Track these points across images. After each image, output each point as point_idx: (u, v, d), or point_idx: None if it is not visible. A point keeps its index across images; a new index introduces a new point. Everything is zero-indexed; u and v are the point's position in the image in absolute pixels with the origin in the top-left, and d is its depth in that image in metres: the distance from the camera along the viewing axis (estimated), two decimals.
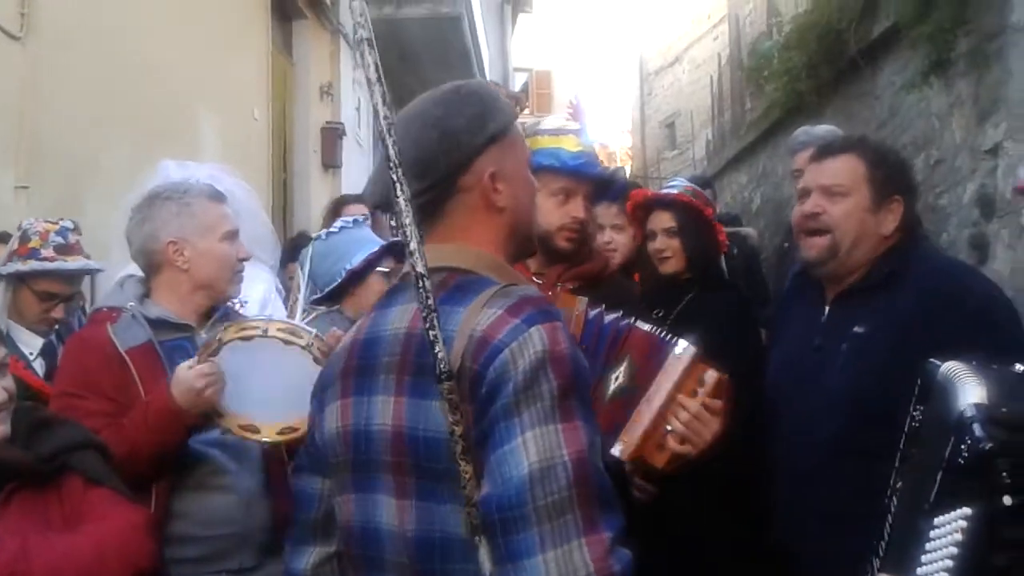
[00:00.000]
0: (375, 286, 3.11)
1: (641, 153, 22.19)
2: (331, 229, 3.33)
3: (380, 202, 1.65)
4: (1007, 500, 1.25)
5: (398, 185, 1.40)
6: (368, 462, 1.51)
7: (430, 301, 1.38)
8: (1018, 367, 1.54)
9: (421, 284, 1.38)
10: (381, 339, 1.57)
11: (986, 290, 2.32)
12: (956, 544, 1.29)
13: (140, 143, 5.17)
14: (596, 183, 2.60)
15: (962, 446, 1.29)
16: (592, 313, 2.29)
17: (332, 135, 9.26)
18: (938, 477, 1.35)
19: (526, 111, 25.93)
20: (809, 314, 2.48)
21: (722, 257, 3.85)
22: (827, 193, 2.37)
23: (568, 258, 2.57)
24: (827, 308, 2.42)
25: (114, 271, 3.42)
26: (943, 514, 1.32)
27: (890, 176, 2.39)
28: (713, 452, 2.22)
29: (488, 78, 13.85)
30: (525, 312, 1.41)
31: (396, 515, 1.47)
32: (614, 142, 25.77)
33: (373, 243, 3.25)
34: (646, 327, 2.28)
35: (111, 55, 5.12)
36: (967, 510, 1.28)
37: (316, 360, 2.15)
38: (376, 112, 1.42)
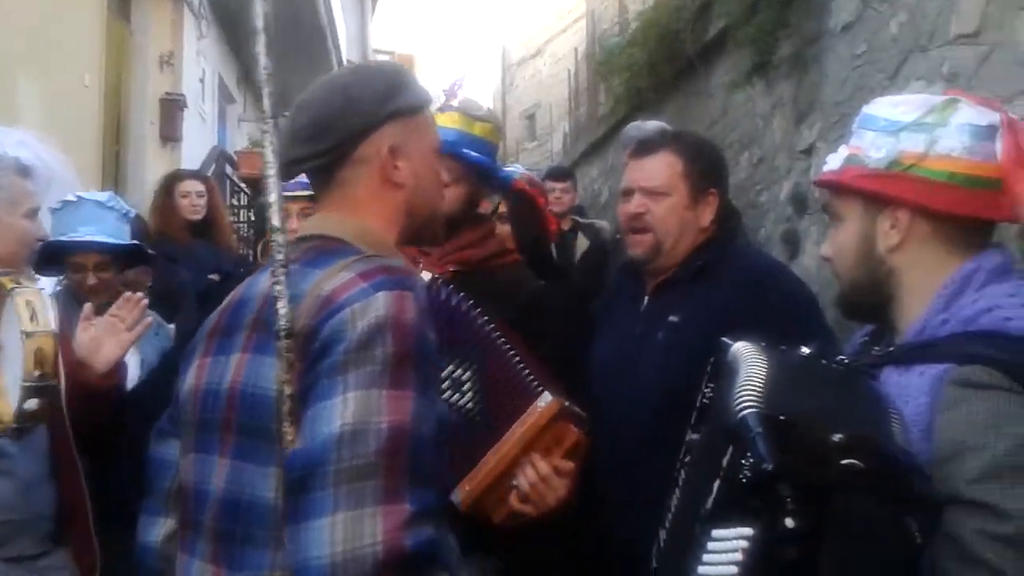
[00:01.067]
0: None
1: (502, 144, 22.27)
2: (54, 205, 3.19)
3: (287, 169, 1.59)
4: (789, 523, 1.22)
5: (267, 135, 1.39)
6: (211, 421, 1.48)
7: (280, 256, 1.36)
8: (804, 350, 1.57)
9: (275, 239, 1.37)
10: (249, 299, 1.54)
11: (792, 283, 2.43)
12: (735, 563, 1.26)
13: None
14: (451, 161, 2.45)
15: (742, 460, 1.26)
16: (437, 291, 2.17)
17: (172, 107, 8.87)
18: (715, 486, 1.34)
19: None
20: (630, 306, 2.53)
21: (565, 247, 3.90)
22: (649, 193, 2.41)
23: (448, 238, 2.46)
24: (646, 299, 2.48)
25: None
26: (721, 528, 1.29)
27: (705, 171, 2.45)
28: (555, 515, 2.12)
29: (345, 59, 13.62)
30: (377, 277, 1.37)
31: (219, 474, 1.43)
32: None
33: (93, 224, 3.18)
34: (508, 354, 2.16)
35: None
36: (748, 530, 1.25)
37: (25, 356, 1.98)
38: (258, 61, 1.40)
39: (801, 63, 5.08)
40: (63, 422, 2.23)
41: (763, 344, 1.55)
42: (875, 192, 1.58)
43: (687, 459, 1.75)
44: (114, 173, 8.13)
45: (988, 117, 1.54)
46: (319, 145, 1.54)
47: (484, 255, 2.57)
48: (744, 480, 1.26)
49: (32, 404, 1.94)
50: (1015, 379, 1.37)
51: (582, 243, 5.75)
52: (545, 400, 2.09)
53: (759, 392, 1.36)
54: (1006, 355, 1.39)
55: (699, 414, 1.77)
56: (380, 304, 1.33)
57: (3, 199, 2.34)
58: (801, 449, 1.25)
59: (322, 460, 1.26)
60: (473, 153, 2.54)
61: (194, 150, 9.32)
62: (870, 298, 1.63)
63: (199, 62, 9.96)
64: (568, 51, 16.60)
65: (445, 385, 2.12)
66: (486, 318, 2.18)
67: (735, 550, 1.27)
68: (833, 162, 1.68)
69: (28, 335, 1.93)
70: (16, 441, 2.15)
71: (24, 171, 2.43)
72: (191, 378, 1.56)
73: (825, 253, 1.72)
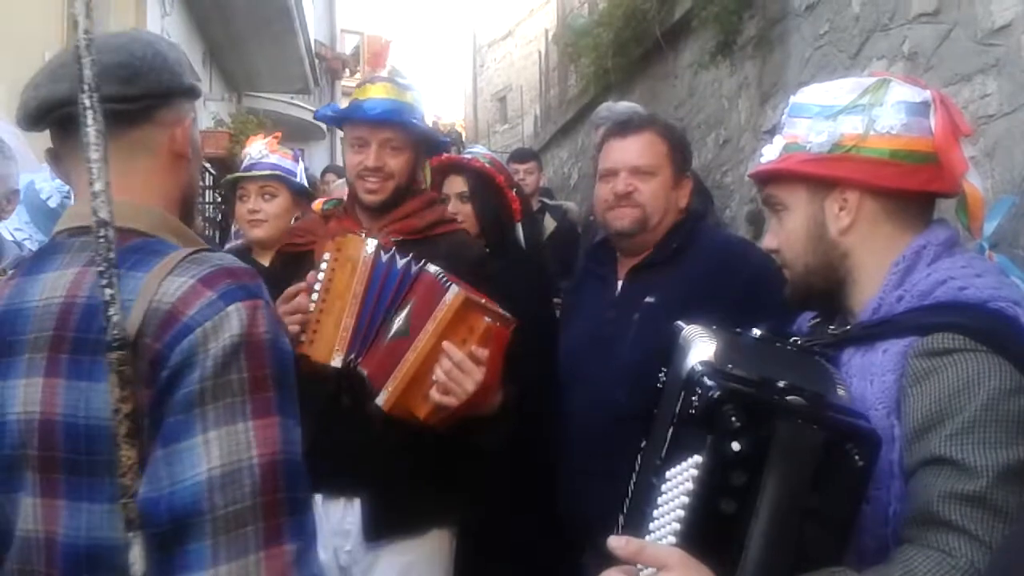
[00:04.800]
0: None
1: (474, 125, 22.21)
2: None
3: (36, 113, 1.38)
4: (735, 446, 1.26)
5: (90, 113, 1.20)
6: (8, 459, 1.29)
7: (111, 254, 1.21)
8: (755, 332, 1.58)
9: (103, 234, 1.21)
10: (25, 312, 1.32)
11: (761, 260, 2.43)
12: (687, 494, 1.30)
13: None
14: (396, 131, 2.51)
15: (692, 398, 1.31)
16: (384, 256, 2.28)
17: None
18: (669, 433, 1.37)
19: (356, 75, 25.53)
20: (603, 289, 2.56)
21: (525, 227, 3.88)
22: (637, 172, 2.46)
23: (381, 210, 2.53)
24: (620, 283, 2.52)
25: None
26: (675, 466, 1.33)
27: (685, 155, 2.55)
28: (479, 406, 2.18)
29: (313, 37, 13.49)
30: (223, 285, 1.25)
31: (42, 518, 1.26)
32: (451, 113, 25.75)
33: None
34: (433, 270, 2.25)
35: None
36: (698, 458, 1.29)
37: None
38: (76, 23, 1.20)
39: (766, 43, 5.09)
40: None
41: (714, 327, 1.56)
42: (822, 176, 1.59)
43: (643, 445, 1.75)
44: None
45: (921, 94, 1.57)
46: (128, 89, 1.36)
47: (426, 223, 2.59)
48: (693, 411, 1.30)
49: None
50: (979, 341, 1.38)
51: (549, 224, 5.77)
52: (452, 292, 2.16)
53: (710, 354, 1.40)
54: (966, 320, 1.40)
55: (654, 398, 1.77)
56: (234, 322, 1.22)
57: None
58: (748, 384, 1.31)
59: (196, 510, 1.16)
60: (414, 120, 2.56)
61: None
62: (824, 283, 1.64)
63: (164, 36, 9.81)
64: (539, 33, 16.55)
65: (390, 327, 2.22)
66: (423, 262, 2.26)
67: (687, 481, 1.30)
68: (769, 153, 1.68)
69: None
70: None
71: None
72: None
73: (769, 245, 1.72)
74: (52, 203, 2.59)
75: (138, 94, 1.37)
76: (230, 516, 1.16)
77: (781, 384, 1.31)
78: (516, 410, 2.33)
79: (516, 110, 19.15)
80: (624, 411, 2.21)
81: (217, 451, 1.17)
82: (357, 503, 2.41)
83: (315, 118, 2.75)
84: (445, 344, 2.14)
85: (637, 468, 1.70)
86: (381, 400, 2.19)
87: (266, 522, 1.18)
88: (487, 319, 2.17)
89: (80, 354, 1.26)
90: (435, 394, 2.15)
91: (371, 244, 2.31)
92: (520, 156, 6.26)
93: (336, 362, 2.25)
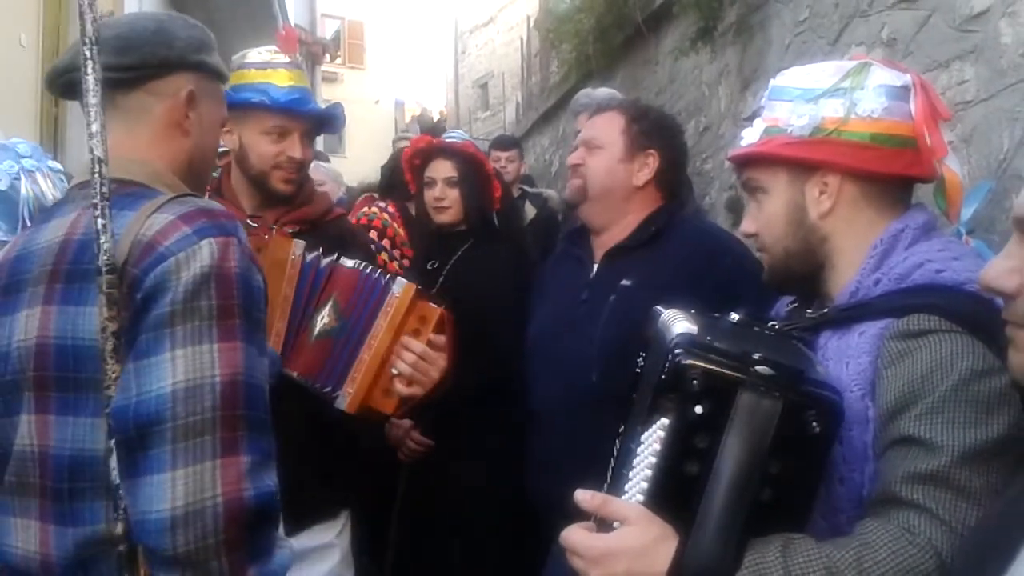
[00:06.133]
0: None
1: (455, 112, 22.14)
2: None
3: (57, 78, 1.58)
4: (698, 409, 1.30)
5: (90, 63, 1.34)
6: (7, 384, 1.44)
7: (104, 188, 1.33)
8: (733, 316, 1.59)
9: (97, 169, 1.33)
10: (33, 254, 1.49)
11: (739, 248, 2.47)
12: (654, 454, 1.34)
13: None
14: (313, 120, 2.51)
15: (665, 365, 1.34)
16: (310, 256, 2.27)
17: None
18: (648, 402, 1.40)
19: (337, 61, 25.36)
20: (577, 272, 2.57)
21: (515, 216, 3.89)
22: (588, 146, 2.53)
23: (287, 200, 2.49)
24: (595, 266, 2.52)
25: None
26: (647, 430, 1.36)
27: (645, 130, 2.53)
28: (442, 389, 2.22)
29: (292, 22, 13.39)
30: (198, 222, 1.37)
31: (29, 432, 1.41)
32: (432, 100, 25.62)
33: None
34: (350, 263, 2.25)
35: None
36: (665, 420, 1.33)
37: None
38: None
39: (746, 29, 5.09)
40: None
41: (692, 311, 1.57)
42: (803, 159, 1.59)
43: (621, 428, 1.76)
44: (53, 134, 7.93)
45: (901, 78, 1.57)
46: (122, 59, 1.51)
47: (319, 212, 2.58)
48: (664, 377, 1.34)
49: None
50: (954, 323, 1.39)
51: (529, 211, 5.76)
52: (400, 285, 2.20)
53: (691, 329, 1.43)
54: (942, 302, 1.41)
55: (632, 384, 1.77)
56: (205, 253, 1.34)
57: None
58: (719, 354, 1.34)
59: (159, 418, 1.27)
60: (317, 105, 2.54)
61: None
62: (803, 267, 1.64)
63: None
64: (520, 19, 16.51)
65: (319, 326, 2.22)
66: (336, 257, 2.28)
67: (656, 443, 1.34)
68: (749, 136, 1.68)
69: None
70: None
71: None
72: None
73: (748, 229, 1.71)
74: (2, 186, 2.54)
75: (130, 64, 1.52)
76: (190, 425, 1.28)
77: (756, 356, 1.33)
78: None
79: (498, 97, 19.10)
80: (597, 392, 2.24)
81: (182, 367, 1.29)
82: None
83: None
84: (404, 338, 2.16)
85: (619, 441, 1.71)
86: (344, 403, 2.19)
87: (224, 433, 1.29)
88: (433, 305, 2.20)
89: (72, 282, 1.40)
90: (401, 388, 2.18)
91: (298, 246, 2.28)
92: (502, 144, 6.22)
93: None
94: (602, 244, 2.54)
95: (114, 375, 1.31)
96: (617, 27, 7.26)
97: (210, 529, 1.26)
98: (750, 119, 5.02)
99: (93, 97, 1.35)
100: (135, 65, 1.52)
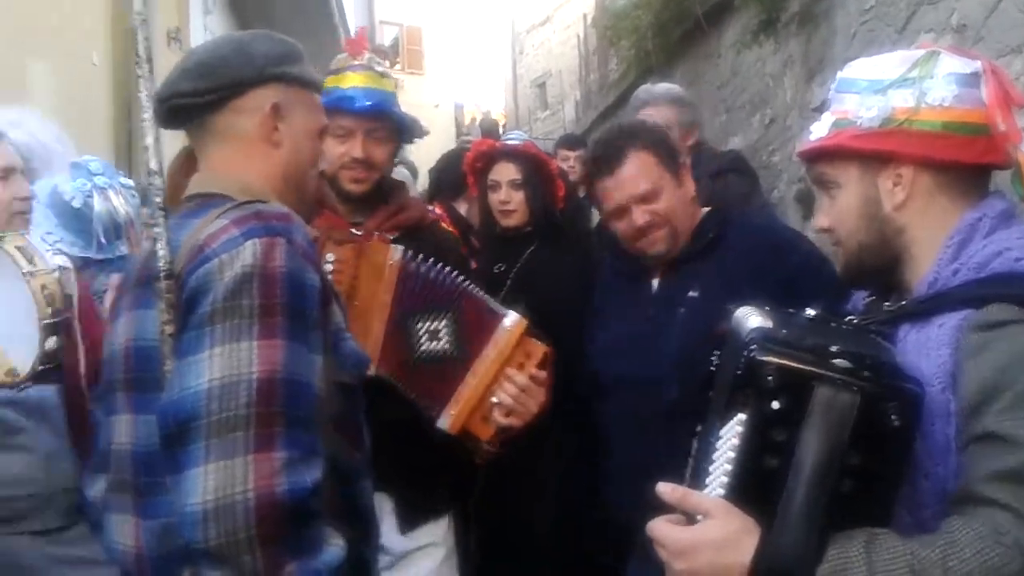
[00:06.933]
0: None
1: (514, 113, 22.19)
2: None
3: (159, 106, 1.62)
4: (775, 404, 1.30)
5: (142, 80, 1.42)
6: (114, 382, 1.54)
7: (159, 200, 1.41)
8: (809, 312, 1.58)
9: (152, 180, 1.41)
10: (134, 264, 1.64)
11: (808, 244, 2.45)
12: (733, 449, 1.34)
13: None
14: (372, 118, 2.50)
15: (741, 360, 1.35)
16: (412, 263, 2.31)
17: None
18: (725, 398, 1.41)
19: (396, 67, 25.56)
20: (634, 289, 2.53)
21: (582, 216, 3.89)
22: (645, 201, 2.38)
23: (368, 202, 2.53)
24: (655, 281, 2.48)
25: None
26: (725, 424, 1.38)
27: (670, 148, 2.46)
28: (537, 423, 2.28)
29: (352, 29, 13.53)
30: (248, 224, 1.41)
31: (126, 432, 1.50)
32: (490, 102, 25.70)
33: None
34: (477, 293, 2.30)
35: None
36: (742, 416, 1.33)
37: (34, 295, 2.02)
38: (132, 6, 1.44)
39: (810, 19, 5.03)
40: (82, 395, 2.22)
41: (767, 308, 1.57)
42: (875, 151, 1.57)
43: (698, 428, 1.76)
44: (127, 150, 8.15)
45: (971, 65, 1.54)
46: (202, 83, 1.57)
47: (417, 217, 2.60)
48: (740, 372, 1.34)
49: (52, 343, 1.96)
50: None
51: (596, 214, 5.73)
52: (511, 319, 2.25)
53: (765, 323, 1.45)
54: (1021, 291, 1.38)
55: (706, 382, 1.77)
56: (247, 253, 1.37)
57: None
58: (794, 349, 1.34)
59: (195, 414, 1.31)
60: (399, 110, 2.56)
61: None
62: (879, 260, 1.62)
63: (206, 37, 9.94)
64: (577, 17, 16.48)
65: (423, 337, 2.27)
66: (453, 271, 2.30)
67: (734, 437, 1.35)
68: (818, 130, 1.66)
69: (31, 275, 1.99)
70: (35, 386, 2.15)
71: None
72: (107, 345, 1.63)
73: (821, 224, 1.69)
74: (76, 203, 2.65)
75: (208, 87, 1.57)
76: (223, 421, 1.31)
77: (833, 349, 1.33)
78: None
79: (556, 96, 19.10)
80: (676, 406, 2.21)
81: (219, 364, 1.33)
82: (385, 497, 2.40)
83: None
84: (509, 370, 2.23)
85: (696, 439, 1.72)
86: (446, 424, 2.27)
87: (258, 429, 1.31)
88: (540, 343, 2.26)
89: (141, 288, 1.50)
90: (499, 417, 2.24)
91: (397, 251, 2.32)
92: (569, 142, 6.14)
93: (371, 371, 2.27)
94: (656, 258, 2.48)
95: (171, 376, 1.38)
96: (675, 22, 7.23)
97: (240, 523, 1.28)
98: (818, 110, 4.99)
99: (146, 112, 1.44)
100: (214, 87, 1.58)
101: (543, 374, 2.25)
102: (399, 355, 2.29)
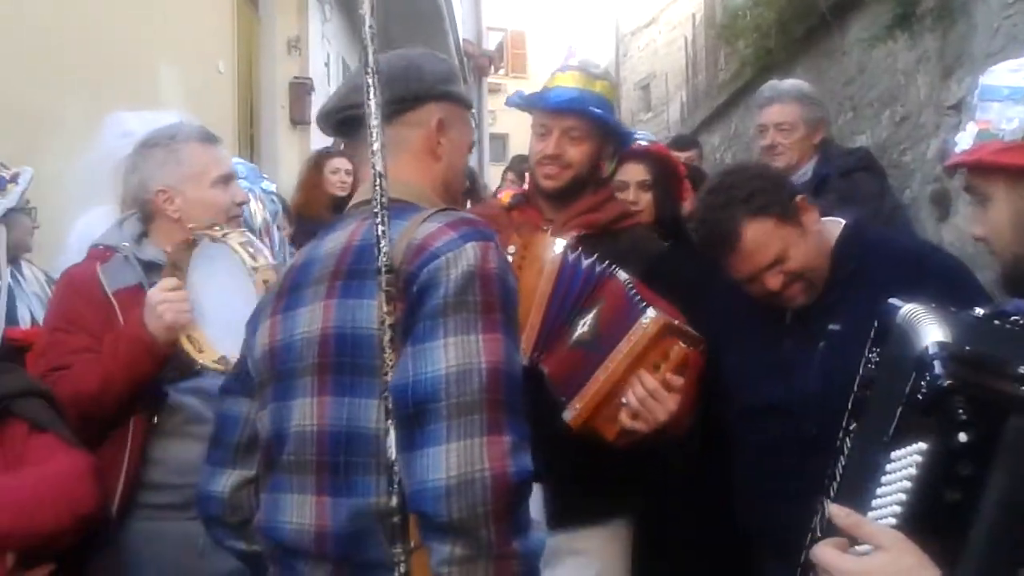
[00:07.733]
0: None
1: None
2: None
3: (334, 116, 1.78)
4: (963, 437, 1.22)
5: (371, 89, 1.49)
6: (288, 371, 1.62)
7: (384, 199, 1.47)
8: (977, 311, 1.52)
9: (378, 182, 1.47)
10: (316, 260, 1.67)
11: (947, 259, 2.34)
12: (910, 478, 1.27)
13: (97, 96, 5.06)
14: (579, 120, 2.50)
15: (922, 382, 1.27)
16: (571, 256, 2.28)
17: (301, 90, 9.11)
18: (898, 412, 1.33)
19: (500, 71, 25.76)
20: (764, 318, 2.39)
21: None
22: (774, 266, 2.25)
23: (564, 200, 2.54)
24: (788, 312, 2.34)
25: (71, 221, 3.38)
26: (900, 448, 1.30)
27: (781, 201, 2.26)
28: (669, 431, 2.14)
29: (461, 36, 13.71)
30: (463, 228, 1.52)
31: (310, 413, 1.57)
32: None
33: None
34: (623, 278, 2.23)
35: (64, 4, 4.99)
36: (923, 445, 1.26)
37: (257, 288, 2.08)
38: (362, 19, 1.50)
39: (947, 14, 4.86)
40: None
41: (933, 305, 1.50)
42: (1018, 166, 1.49)
43: (852, 426, 1.69)
44: (249, 156, 8.42)
45: None
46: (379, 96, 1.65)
47: (608, 218, 2.57)
48: (921, 398, 1.27)
49: None
50: None
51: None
52: (649, 316, 2.13)
53: (945, 336, 1.34)
54: None
55: (861, 382, 1.71)
56: (470, 254, 1.48)
57: (185, 173, 2.40)
58: (981, 371, 1.25)
59: (435, 396, 1.40)
60: (597, 110, 2.53)
61: (322, 133, 9.52)
62: None
63: (324, 46, 10.18)
64: (684, 18, 16.29)
65: (575, 330, 2.23)
66: (611, 266, 2.26)
67: (911, 466, 1.27)
68: (964, 141, 1.59)
69: (255, 270, 2.09)
70: None
71: (208, 139, 2.47)
72: (263, 339, 1.70)
73: (977, 234, 1.64)
74: None
75: (387, 99, 1.61)
76: (461, 404, 1.40)
77: (1021, 370, 1.23)
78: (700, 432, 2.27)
79: (660, 97, 18.91)
80: (816, 442, 2.05)
81: (454, 352, 1.42)
82: (538, 491, 2.38)
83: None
84: (640, 371, 2.12)
85: (846, 450, 1.65)
86: (569, 417, 2.19)
87: (490, 414, 1.40)
88: (682, 344, 2.13)
89: (351, 279, 1.57)
90: (624, 419, 2.14)
91: (559, 244, 2.29)
92: (682, 143, 6.04)
93: (523, 360, 2.25)
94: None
95: (391, 363, 1.44)
96: (799, 19, 7.07)
97: (479, 499, 1.36)
98: (956, 108, 4.82)
99: (375, 119, 1.50)
100: (391, 100, 1.64)
101: (678, 380, 2.11)
102: (550, 347, 2.26)
